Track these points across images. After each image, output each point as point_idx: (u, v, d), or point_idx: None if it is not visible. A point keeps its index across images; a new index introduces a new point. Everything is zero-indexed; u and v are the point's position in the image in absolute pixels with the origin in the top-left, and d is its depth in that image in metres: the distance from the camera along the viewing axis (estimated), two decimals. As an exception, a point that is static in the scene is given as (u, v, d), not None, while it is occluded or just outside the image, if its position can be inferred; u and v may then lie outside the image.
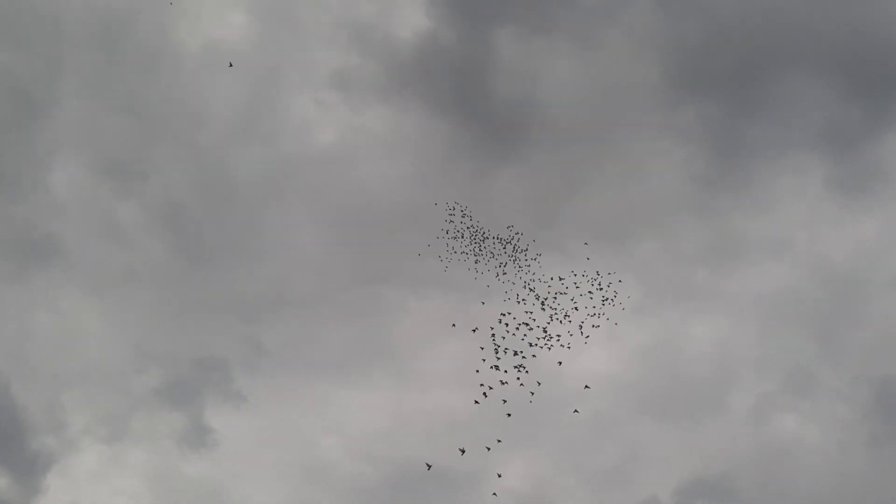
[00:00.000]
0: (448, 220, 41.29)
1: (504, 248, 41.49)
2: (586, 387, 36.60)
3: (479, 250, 41.22)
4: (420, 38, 60.92)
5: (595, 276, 40.86)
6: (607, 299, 40.22)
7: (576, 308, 39.70)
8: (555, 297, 40.08)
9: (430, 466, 34.42)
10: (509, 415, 36.17)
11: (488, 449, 34.81)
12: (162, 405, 58.27)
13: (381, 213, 64.20)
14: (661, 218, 61.73)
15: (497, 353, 37.28)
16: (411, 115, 60.80)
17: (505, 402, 35.62)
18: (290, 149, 63.84)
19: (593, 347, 63.85)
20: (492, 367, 36.89)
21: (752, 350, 59.61)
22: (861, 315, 59.51)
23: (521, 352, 37.70)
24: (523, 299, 39.65)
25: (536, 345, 38.31)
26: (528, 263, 41.40)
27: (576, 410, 36.68)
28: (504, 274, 40.91)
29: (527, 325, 38.58)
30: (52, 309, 59.28)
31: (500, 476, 37.21)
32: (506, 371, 36.77)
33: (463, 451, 34.11)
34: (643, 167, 61.68)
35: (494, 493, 34.76)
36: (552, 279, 40.78)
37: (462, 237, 41.38)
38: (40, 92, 58.21)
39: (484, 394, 35.91)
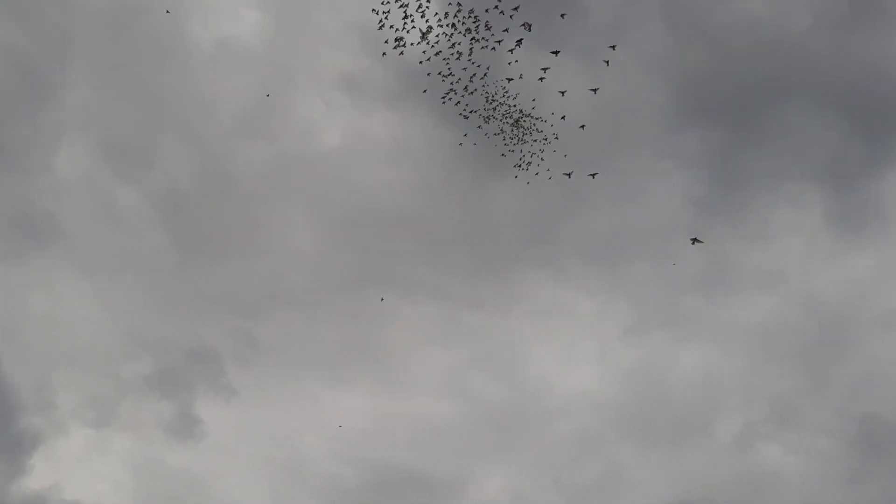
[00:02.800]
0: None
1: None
2: (695, 240, 36.54)
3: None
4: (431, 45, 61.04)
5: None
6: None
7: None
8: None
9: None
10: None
11: (694, 241, 35.93)
12: (151, 393, 58.78)
13: (379, 217, 64.58)
14: (656, 241, 62.01)
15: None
16: (416, 122, 61.11)
17: None
18: (295, 148, 64.13)
19: (582, 366, 64.68)
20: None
21: (739, 379, 60.08)
22: (849, 351, 59.90)
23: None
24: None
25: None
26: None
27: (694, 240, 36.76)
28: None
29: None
30: (47, 289, 59.73)
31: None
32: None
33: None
34: (643, 189, 61.96)
35: None
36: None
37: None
38: (50, 73, 58.56)
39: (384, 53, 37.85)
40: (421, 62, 39.19)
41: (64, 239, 59.18)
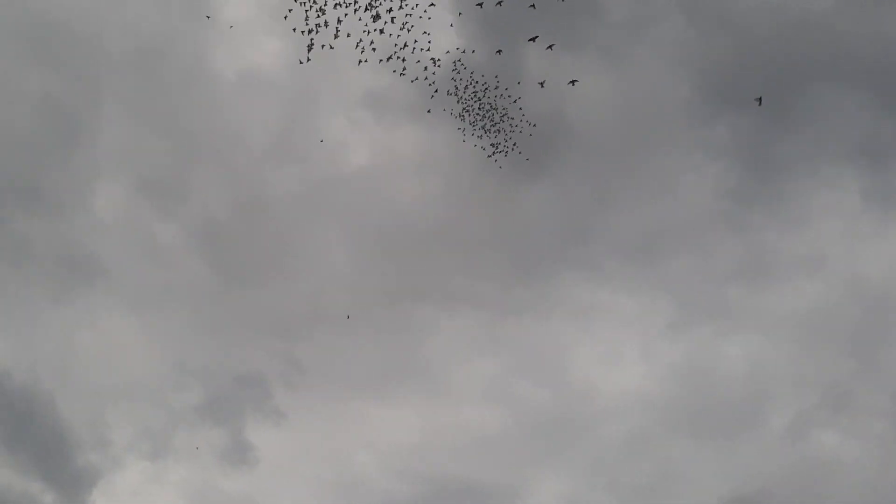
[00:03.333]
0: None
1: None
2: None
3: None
4: (451, 56, 61.43)
5: None
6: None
7: None
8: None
9: None
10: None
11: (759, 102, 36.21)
12: (203, 422, 59.72)
13: (412, 230, 64.96)
14: (693, 234, 61.56)
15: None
16: (441, 133, 61.44)
17: None
18: (325, 169, 64.86)
19: (627, 365, 64.24)
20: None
21: (789, 367, 59.31)
22: (899, 331, 58.79)
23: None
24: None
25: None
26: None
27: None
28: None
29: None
30: (94, 327, 61.02)
31: None
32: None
33: None
34: (674, 183, 61.56)
35: None
36: None
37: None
38: (83, 115, 59.95)
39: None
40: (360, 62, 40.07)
41: (107, 276, 60.51)
